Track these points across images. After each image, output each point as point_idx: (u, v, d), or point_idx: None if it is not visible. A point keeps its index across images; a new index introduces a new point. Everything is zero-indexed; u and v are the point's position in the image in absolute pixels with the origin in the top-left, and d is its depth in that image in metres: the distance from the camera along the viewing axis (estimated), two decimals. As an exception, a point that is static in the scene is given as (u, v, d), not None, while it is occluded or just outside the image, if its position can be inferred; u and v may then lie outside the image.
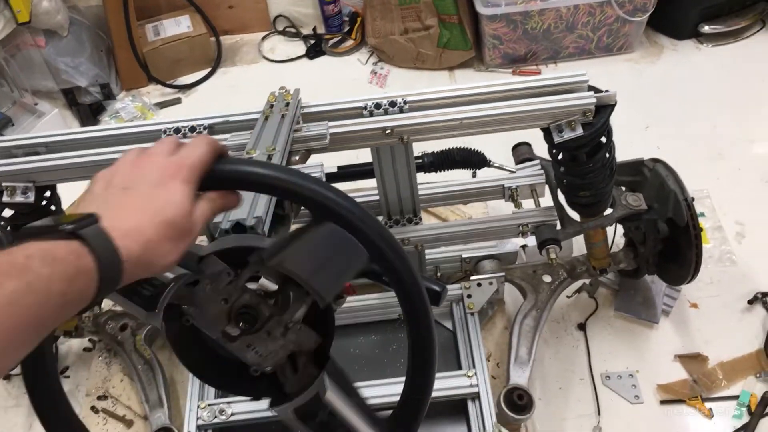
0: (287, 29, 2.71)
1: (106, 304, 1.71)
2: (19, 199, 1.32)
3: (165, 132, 1.31)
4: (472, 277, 1.66)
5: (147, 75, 2.52)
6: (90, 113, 2.46)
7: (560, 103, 1.27)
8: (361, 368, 1.61)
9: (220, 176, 0.66)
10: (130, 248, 0.58)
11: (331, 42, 2.63)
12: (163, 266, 0.61)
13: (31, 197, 1.32)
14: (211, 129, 1.31)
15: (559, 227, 1.51)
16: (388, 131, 1.27)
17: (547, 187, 1.57)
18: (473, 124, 1.28)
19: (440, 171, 1.67)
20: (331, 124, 1.25)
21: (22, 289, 0.50)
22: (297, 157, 1.13)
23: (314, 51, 2.62)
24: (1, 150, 1.33)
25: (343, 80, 2.52)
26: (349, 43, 2.62)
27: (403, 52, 2.49)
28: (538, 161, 1.61)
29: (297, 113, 1.23)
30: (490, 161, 1.95)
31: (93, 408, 1.68)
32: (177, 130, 1.31)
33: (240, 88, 2.55)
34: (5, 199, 1.32)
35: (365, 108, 1.31)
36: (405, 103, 1.30)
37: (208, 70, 2.59)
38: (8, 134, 2.35)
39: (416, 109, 1.31)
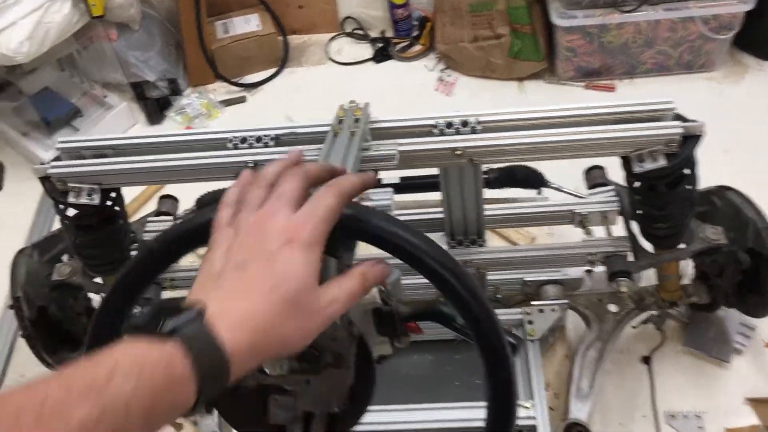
0: (355, 31, 2.68)
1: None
2: (84, 200, 1.32)
3: (231, 141, 1.29)
4: (533, 302, 1.60)
5: (214, 72, 2.53)
6: (157, 108, 2.47)
7: (643, 131, 1.20)
8: (413, 389, 1.57)
9: (348, 226, 0.61)
10: (239, 339, 0.52)
11: (398, 46, 2.59)
12: (278, 354, 0.55)
13: (96, 199, 1.32)
14: (278, 140, 1.29)
15: (631, 259, 1.44)
16: (458, 152, 1.23)
17: (619, 215, 1.50)
18: (549, 148, 1.23)
19: (503, 188, 1.63)
20: (399, 141, 1.21)
21: (94, 416, 0.45)
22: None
23: (381, 55, 2.58)
24: (70, 150, 1.33)
25: (409, 86, 2.48)
26: (417, 48, 2.58)
27: (471, 60, 2.43)
28: (611, 187, 1.53)
29: (366, 129, 1.19)
30: (548, 182, 1.89)
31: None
32: (243, 140, 1.29)
33: (305, 90, 2.54)
34: (71, 199, 1.32)
35: (435, 126, 1.26)
36: (478, 123, 1.25)
37: (275, 69, 2.58)
38: (77, 124, 2.39)
39: (489, 130, 1.25)
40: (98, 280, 1.59)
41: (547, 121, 1.26)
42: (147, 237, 1.59)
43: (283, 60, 2.59)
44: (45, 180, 1.33)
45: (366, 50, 2.63)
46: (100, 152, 1.33)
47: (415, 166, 1.25)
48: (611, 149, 1.25)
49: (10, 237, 2.21)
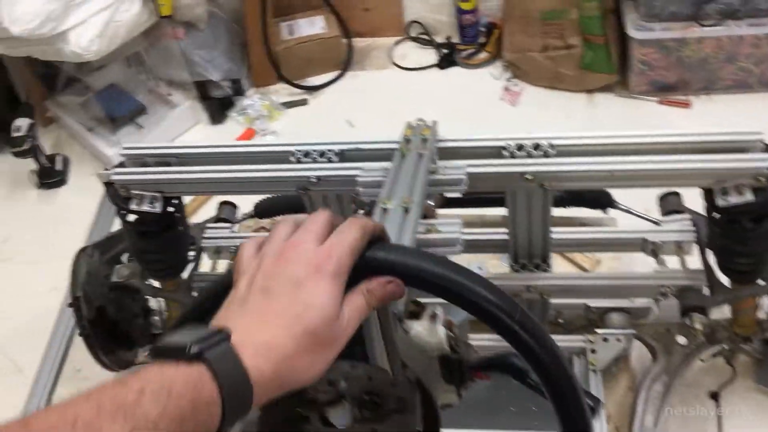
0: (420, 36, 2.64)
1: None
2: (146, 207, 1.31)
3: (294, 155, 1.26)
4: (598, 331, 1.53)
5: (277, 73, 2.52)
6: (219, 108, 2.48)
7: (728, 163, 1.13)
8: (467, 413, 1.52)
9: (372, 264, 0.59)
10: (262, 368, 0.52)
11: (464, 53, 2.54)
12: (300, 383, 0.54)
13: (157, 207, 1.31)
14: (342, 155, 1.26)
15: (706, 293, 1.37)
16: (528, 176, 1.17)
17: (696, 245, 1.42)
18: (625, 176, 1.16)
19: (568, 207, 1.56)
20: (467, 163, 1.17)
21: None
22: (431, 202, 1.05)
23: (446, 61, 2.53)
24: (135, 157, 1.33)
25: (473, 94, 2.42)
26: (484, 55, 2.52)
27: (540, 70, 2.36)
28: (688, 215, 1.45)
29: (434, 150, 1.15)
30: (616, 203, 1.81)
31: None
32: (307, 154, 1.26)
33: (367, 94, 2.51)
34: (133, 206, 1.32)
35: (506, 148, 1.21)
36: (551, 146, 1.20)
37: (338, 73, 2.56)
38: (141, 122, 2.41)
39: (563, 154, 1.20)
40: (156, 284, 1.60)
41: (624, 147, 1.20)
42: (206, 243, 1.58)
43: (346, 63, 2.57)
44: (108, 185, 1.33)
45: (431, 56, 2.58)
46: (163, 160, 1.32)
47: (482, 189, 1.21)
48: (692, 180, 1.18)
49: (72, 231, 2.24)
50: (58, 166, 2.39)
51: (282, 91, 2.55)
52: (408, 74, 2.55)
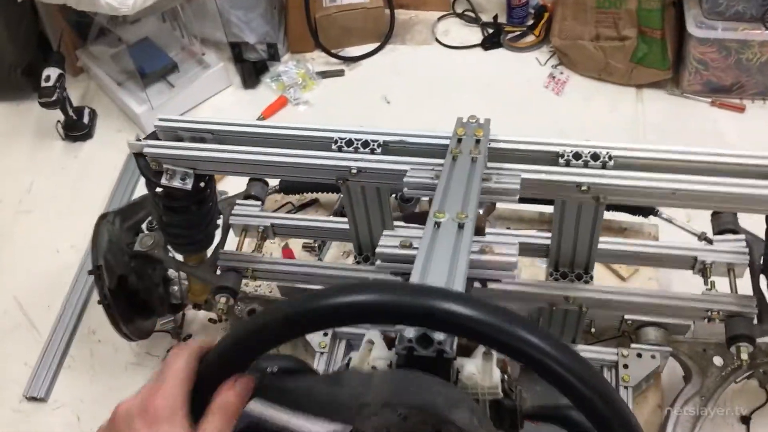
0: (466, 13, 2.53)
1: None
2: (176, 183, 1.26)
3: (336, 142, 1.19)
4: (632, 345, 1.47)
5: (315, 41, 2.43)
6: (253, 71, 2.40)
7: (803, 194, 1.05)
8: None
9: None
10: None
11: (510, 35, 2.43)
12: None
13: (189, 184, 1.26)
14: (386, 147, 1.18)
15: (756, 322, 1.30)
16: (584, 188, 1.10)
17: (748, 269, 1.35)
18: (689, 197, 1.09)
19: (609, 210, 1.50)
20: (521, 169, 1.10)
21: None
22: (481, 211, 0.98)
23: (491, 41, 2.43)
24: (168, 130, 1.27)
25: (517, 79, 2.33)
26: (531, 38, 2.41)
27: (589, 60, 2.26)
28: (743, 236, 1.38)
29: (486, 153, 1.08)
30: (658, 211, 1.73)
31: (210, 389, 1.64)
32: (349, 143, 1.19)
33: (406, 70, 2.42)
34: (163, 181, 1.26)
35: (561, 155, 1.13)
36: (610, 157, 1.12)
37: (377, 44, 2.46)
38: (172, 80, 2.35)
39: (622, 166, 1.12)
40: (179, 257, 1.55)
41: (688, 165, 1.12)
42: (234, 221, 1.53)
43: (387, 35, 2.47)
44: (139, 156, 1.27)
45: (475, 34, 2.48)
46: (198, 135, 1.26)
47: (529, 196, 1.13)
48: (759, 206, 1.10)
49: (95, 188, 2.20)
50: (85, 119, 2.33)
51: (318, 60, 2.47)
52: (450, 52, 2.45)
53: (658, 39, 2.12)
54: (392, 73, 2.41)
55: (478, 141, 1.08)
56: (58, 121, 2.29)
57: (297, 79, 2.37)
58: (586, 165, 1.12)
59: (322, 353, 1.54)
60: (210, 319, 1.81)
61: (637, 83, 2.23)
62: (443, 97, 2.30)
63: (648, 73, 2.19)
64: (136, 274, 1.60)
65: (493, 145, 1.15)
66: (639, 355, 1.46)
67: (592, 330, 1.54)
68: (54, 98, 2.14)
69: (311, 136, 1.22)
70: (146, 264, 1.61)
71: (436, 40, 2.48)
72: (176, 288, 1.70)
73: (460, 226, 0.82)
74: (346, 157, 1.18)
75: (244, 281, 1.50)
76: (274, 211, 1.79)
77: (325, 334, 1.57)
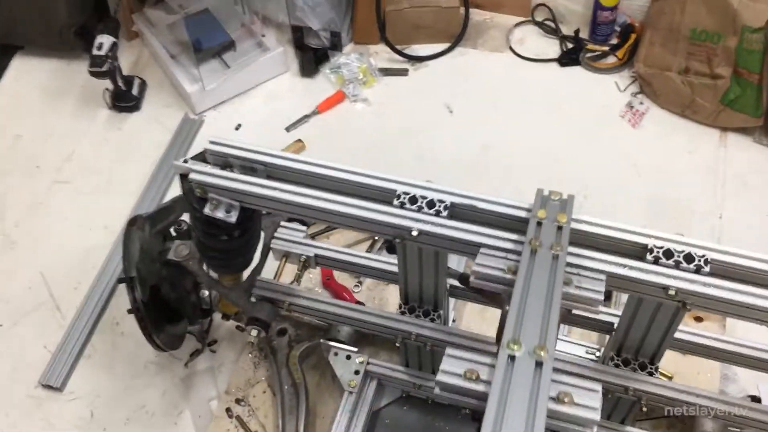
0: (546, 22, 2.36)
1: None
2: (220, 215, 1.16)
3: (399, 197, 1.07)
4: (686, 435, 1.36)
5: (381, 35, 2.29)
6: (313, 59, 2.27)
7: None
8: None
9: None
10: None
11: (591, 53, 2.26)
12: None
13: (233, 217, 1.16)
14: (453, 210, 1.06)
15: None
16: (671, 292, 0.97)
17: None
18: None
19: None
20: (605, 262, 0.97)
21: None
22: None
23: (569, 57, 2.26)
24: (218, 155, 1.16)
25: (591, 104, 2.17)
26: (612, 60, 2.24)
27: (673, 94, 2.09)
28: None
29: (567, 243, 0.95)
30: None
31: (228, 410, 1.57)
32: (413, 200, 1.07)
33: (474, 77, 2.26)
34: (207, 210, 1.16)
35: (650, 251, 1.00)
36: (706, 262, 0.99)
37: (446, 46, 2.31)
38: (228, 59, 2.23)
39: (719, 274, 0.99)
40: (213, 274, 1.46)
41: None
42: (275, 245, 1.42)
43: (458, 37, 2.31)
44: (184, 178, 1.17)
45: (552, 47, 2.31)
46: (249, 165, 1.15)
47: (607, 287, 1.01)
48: None
49: (137, 165, 2.11)
50: (134, 90, 2.23)
51: (382, 55, 2.32)
52: (523, 64, 2.28)
53: (754, 84, 1.94)
54: (459, 78, 2.26)
55: (560, 228, 0.96)
56: (107, 89, 2.20)
57: (357, 73, 2.24)
58: (677, 266, 0.99)
59: (351, 392, 1.46)
60: (237, 327, 1.72)
61: (723, 126, 2.06)
62: (509, 113, 2.15)
63: (737, 118, 2.02)
64: (169, 282, 1.52)
65: (576, 226, 1.02)
66: (694, 448, 1.34)
67: (644, 409, 1.42)
68: (105, 69, 2.04)
69: (373, 185, 1.10)
70: (179, 272, 1.52)
71: (510, 48, 2.32)
72: (207, 293, 1.62)
73: (538, 364, 0.70)
74: (408, 215, 1.06)
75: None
76: (312, 237, 1.68)
77: (356, 373, 1.48)
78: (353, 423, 1.45)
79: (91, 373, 1.75)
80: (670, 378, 1.54)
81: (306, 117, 2.17)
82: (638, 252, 1.02)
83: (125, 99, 2.22)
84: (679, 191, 1.96)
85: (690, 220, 1.89)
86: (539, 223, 0.96)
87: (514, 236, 1.01)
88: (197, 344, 1.73)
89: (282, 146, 2.09)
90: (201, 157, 1.18)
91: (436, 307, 1.29)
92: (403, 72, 2.28)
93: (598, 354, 1.41)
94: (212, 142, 1.16)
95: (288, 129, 2.15)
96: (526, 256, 0.90)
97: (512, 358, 0.71)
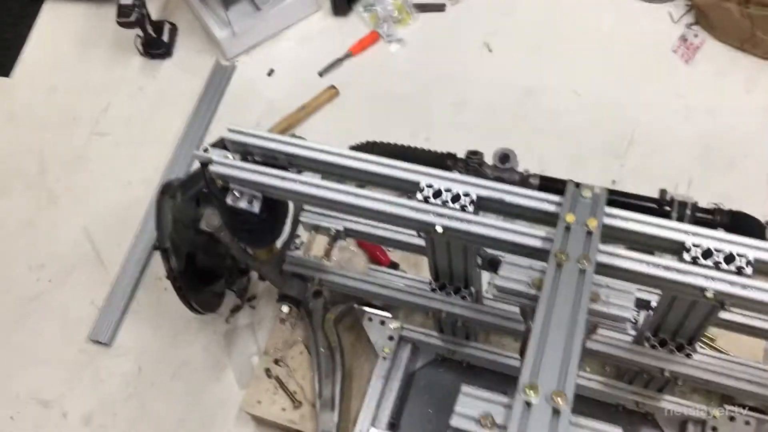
0: (595, -55, 2.18)
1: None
2: (243, 205, 1.14)
3: (422, 190, 1.03)
4: (727, 406, 1.33)
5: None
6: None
7: None
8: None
9: None
10: None
11: (643, -19, 2.09)
12: None
13: (255, 207, 1.14)
14: (479, 204, 1.02)
15: None
16: (708, 294, 0.93)
17: None
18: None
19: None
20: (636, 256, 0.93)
21: None
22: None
23: (618, -15, 2.10)
24: (237, 145, 1.13)
25: (642, 36, 2.03)
26: (666, -13, 2.07)
27: (732, 27, 1.93)
28: None
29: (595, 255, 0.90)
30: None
31: (267, 371, 1.60)
32: (437, 193, 1.03)
33: (515, 10, 2.13)
34: (229, 200, 1.14)
35: (687, 249, 0.95)
36: (748, 263, 0.93)
37: (488, -25, 2.17)
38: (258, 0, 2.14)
39: (763, 273, 0.93)
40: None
41: None
42: (304, 218, 1.41)
43: (499, -35, 2.17)
44: (206, 166, 1.15)
45: (601, -26, 2.15)
46: (271, 155, 1.12)
47: (638, 283, 0.97)
48: None
49: (172, 112, 2.10)
50: (165, 36, 2.18)
51: (418, -12, 2.20)
52: (569, -6, 2.14)
53: (822, 16, 1.78)
54: (499, 13, 2.13)
55: (589, 233, 0.91)
56: (138, 35, 2.16)
57: (392, 12, 2.13)
58: (717, 267, 0.94)
59: (385, 358, 1.47)
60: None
61: (785, 62, 1.91)
62: (553, 51, 2.04)
63: (801, 53, 1.87)
64: (203, 249, 1.53)
65: (608, 221, 0.97)
66: (732, 419, 1.32)
67: (678, 383, 1.39)
68: (132, 18, 2.00)
69: (396, 176, 1.06)
70: (212, 239, 1.52)
71: (555, -24, 2.17)
72: (243, 253, 1.63)
73: (555, 412, 0.68)
74: (431, 210, 1.02)
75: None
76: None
77: (390, 339, 1.49)
78: (388, 387, 1.47)
79: (137, 328, 1.81)
80: (713, 340, 1.51)
81: (339, 60, 2.10)
82: (675, 249, 0.96)
83: (156, 45, 2.18)
84: (732, 133, 1.85)
85: (742, 166, 1.79)
86: (567, 228, 0.92)
87: (542, 233, 0.97)
88: (237, 300, 1.77)
89: (315, 92, 2.04)
90: (221, 145, 1.15)
91: (467, 284, 1.26)
92: (440, 7, 2.16)
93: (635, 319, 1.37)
94: (231, 130, 1.12)
95: (321, 74, 2.09)
96: (551, 269, 0.86)
97: (528, 404, 0.69)
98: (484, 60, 2.06)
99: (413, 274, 1.56)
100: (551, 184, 1.62)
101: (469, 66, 2.04)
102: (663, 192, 1.56)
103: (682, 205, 1.52)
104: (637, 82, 1.96)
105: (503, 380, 1.53)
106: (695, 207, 1.52)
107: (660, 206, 1.53)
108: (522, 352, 0.83)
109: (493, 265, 1.15)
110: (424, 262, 1.67)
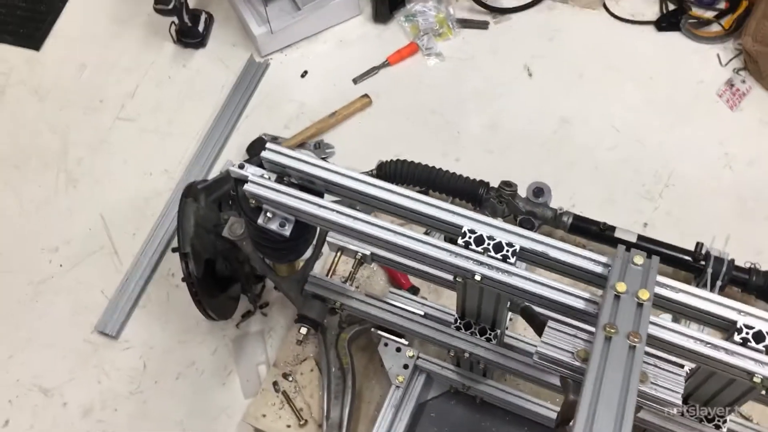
0: (648, -23, 2.13)
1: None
2: (274, 227, 1.10)
3: (464, 236, 0.99)
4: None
5: (463, -19, 2.11)
6: (388, 3, 2.12)
7: None
8: None
9: None
10: None
11: (693, 19, 2.04)
12: None
13: (287, 231, 1.10)
14: (522, 256, 0.98)
15: None
16: (756, 379, 0.88)
17: None
18: None
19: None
20: (673, 326, 0.89)
21: None
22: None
23: (668, 21, 2.05)
24: (274, 165, 1.09)
25: (687, 77, 1.97)
26: (717, 29, 2.02)
27: (782, 77, 1.88)
28: None
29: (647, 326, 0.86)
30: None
31: (275, 384, 1.57)
32: (479, 240, 0.99)
33: (560, 35, 2.08)
34: (260, 221, 1.11)
35: (739, 330, 0.90)
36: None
37: (534, -2, 2.12)
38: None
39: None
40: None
41: None
42: (332, 238, 1.36)
43: (547, -12, 2.12)
44: (239, 182, 1.11)
45: (651, 8, 2.09)
46: (308, 179, 1.08)
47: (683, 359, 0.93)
48: None
49: (200, 105, 2.06)
50: (200, 26, 2.14)
51: (462, 3, 2.15)
52: (616, 25, 2.08)
53: None
54: (543, 36, 2.08)
55: (640, 305, 0.86)
56: (173, 22, 2.11)
57: (434, 24, 2.08)
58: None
59: (398, 387, 1.44)
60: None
61: (833, 118, 1.86)
62: (595, 81, 1.99)
63: None
64: (223, 256, 1.50)
65: (658, 290, 0.93)
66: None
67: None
68: (170, 6, 1.95)
69: (439, 218, 1.02)
70: (233, 246, 1.49)
71: (604, 5, 2.11)
72: (260, 261, 1.59)
73: None
74: (472, 257, 0.98)
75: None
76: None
77: (405, 367, 1.45)
78: (398, 417, 1.43)
79: (145, 323, 1.77)
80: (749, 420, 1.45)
81: (375, 69, 2.05)
82: (724, 328, 0.92)
83: (191, 35, 2.13)
84: (775, 190, 1.80)
85: (785, 227, 1.75)
86: (617, 297, 0.87)
87: (586, 294, 0.93)
88: (249, 305, 1.73)
89: (347, 99, 1.99)
90: (257, 162, 1.10)
91: (494, 326, 1.23)
92: (483, 25, 2.11)
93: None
94: (269, 149, 1.08)
95: (355, 81, 2.04)
96: (599, 342, 0.82)
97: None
98: (523, 84, 2.01)
99: (433, 300, 1.53)
100: (584, 225, 1.58)
101: (506, 88, 2.00)
102: (699, 245, 1.51)
103: (718, 261, 1.48)
104: (678, 123, 1.91)
105: (515, 420, 1.50)
106: (732, 265, 1.48)
107: (695, 260, 1.49)
108: (562, 423, 0.79)
109: (526, 316, 1.11)
110: (444, 290, 1.65)
